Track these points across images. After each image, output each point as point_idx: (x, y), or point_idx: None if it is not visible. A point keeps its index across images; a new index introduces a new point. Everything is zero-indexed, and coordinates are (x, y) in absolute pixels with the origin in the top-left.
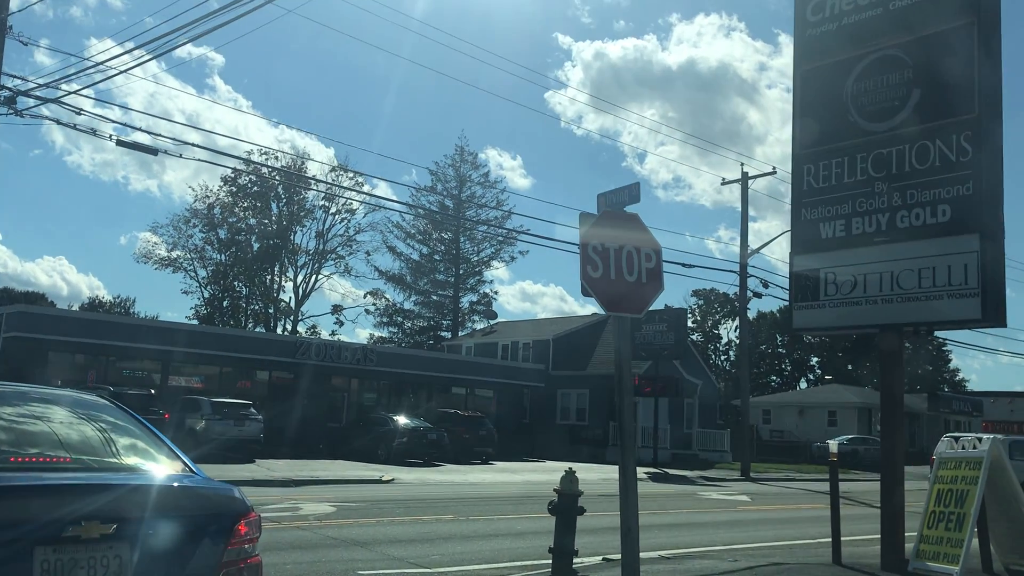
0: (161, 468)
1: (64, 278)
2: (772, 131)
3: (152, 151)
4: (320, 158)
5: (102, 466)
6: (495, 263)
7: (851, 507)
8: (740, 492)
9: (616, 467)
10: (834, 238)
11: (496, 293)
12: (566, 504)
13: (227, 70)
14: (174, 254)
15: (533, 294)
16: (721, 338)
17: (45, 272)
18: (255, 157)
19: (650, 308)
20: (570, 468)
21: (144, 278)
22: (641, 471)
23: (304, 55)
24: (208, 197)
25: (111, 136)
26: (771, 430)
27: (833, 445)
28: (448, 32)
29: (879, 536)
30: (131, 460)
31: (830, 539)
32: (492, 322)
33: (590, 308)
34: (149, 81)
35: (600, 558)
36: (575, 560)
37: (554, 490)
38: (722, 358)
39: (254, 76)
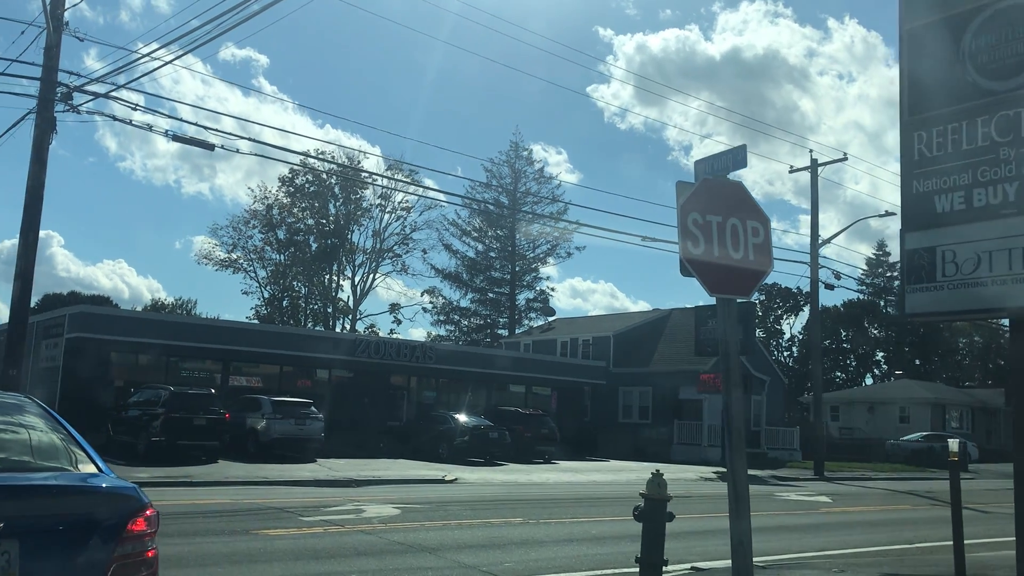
0: (63, 468)
1: (124, 281)
2: (826, 119)
3: (208, 146)
4: (369, 157)
5: (3, 466)
6: (551, 259)
7: (936, 507)
8: (818, 493)
9: (685, 467)
10: (952, 212)
11: (553, 290)
12: (654, 510)
13: (272, 71)
14: (234, 255)
15: (584, 291)
16: (783, 333)
17: (106, 275)
18: (311, 157)
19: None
20: (657, 470)
21: (203, 280)
22: (708, 470)
23: (346, 55)
24: (267, 198)
25: (166, 132)
26: (840, 428)
27: (954, 444)
28: (489, 28)
29: (996, 541)
30: (36, 461)
31: (933, 544)
32: (550, 319)
33: (644, 304)
34: (197, 82)
35: (688, 567)
36: (663, 569)
37: (640, 494)
38: (784, 354)
39: (299, 76)
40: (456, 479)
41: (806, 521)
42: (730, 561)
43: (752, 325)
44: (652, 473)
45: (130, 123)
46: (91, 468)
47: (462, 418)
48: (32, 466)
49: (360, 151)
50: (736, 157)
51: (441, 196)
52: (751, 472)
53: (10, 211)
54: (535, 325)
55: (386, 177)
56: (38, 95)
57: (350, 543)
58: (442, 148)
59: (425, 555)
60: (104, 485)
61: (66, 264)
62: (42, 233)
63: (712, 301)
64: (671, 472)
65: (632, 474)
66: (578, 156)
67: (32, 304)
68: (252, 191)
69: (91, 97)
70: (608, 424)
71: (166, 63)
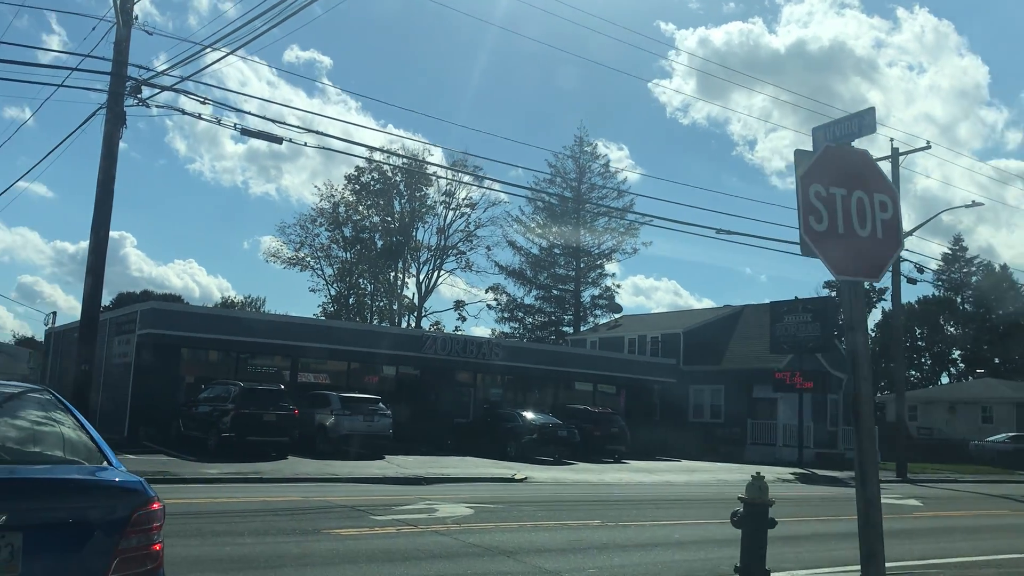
0: (72, 461)
1: (195, 280)
2: (895, 111)
3: (276, 139)
4: (433, 154)
5: (12, 459)
6: (617, 255)
7: None
8: (906, 496)
9: (760, 467)
10: None
11: (619, 287)
12: (755, 515)
13: (335, 72)
14: (301, 253)
15: (646, 289)
16: None
17: (177, 275)
18: (377, 155)
19: (832, 282)
20: (758, 472)
21: (271, 278)
22: (786, 471)
23: (405, 55)
24: (332, 196)
25: (235, 125)
26: (918, 428)
27: None
28: (548, 25)
29: None
30: (44, 453)
31: None
32: (616, 316)
33: (708, 302)
34: (263, 84)
35: None
36: None
37: (739, 498)
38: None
39: (361, 77)
40: (526, 478)
41: (900, 526)
42: (829, 570)
43: (832, 322)
44: (752, 476)
45: (199, 117)
46: (100, 460)
47: (530, 416)
48: (39, 458)
49: (424, 144)
50: (863, 122)
51: (505, 192)
52: (829, 473)
53: (85, 211)
54: (601, 322)
55: (455, 169)
56: (108, 89)
57: (424, 544)
58: (508, 139)
59: (503, 559)
60: (110, 479)
61: (139, 264)
62: (115, 234)
63: (772, 299)
64: (745, 474)
65: (706, 474)
66: (640, 152)
67: (106, 303)
68: (318, 189)
69: (158, 90)
70: (678, 423)
71: (229, 53)
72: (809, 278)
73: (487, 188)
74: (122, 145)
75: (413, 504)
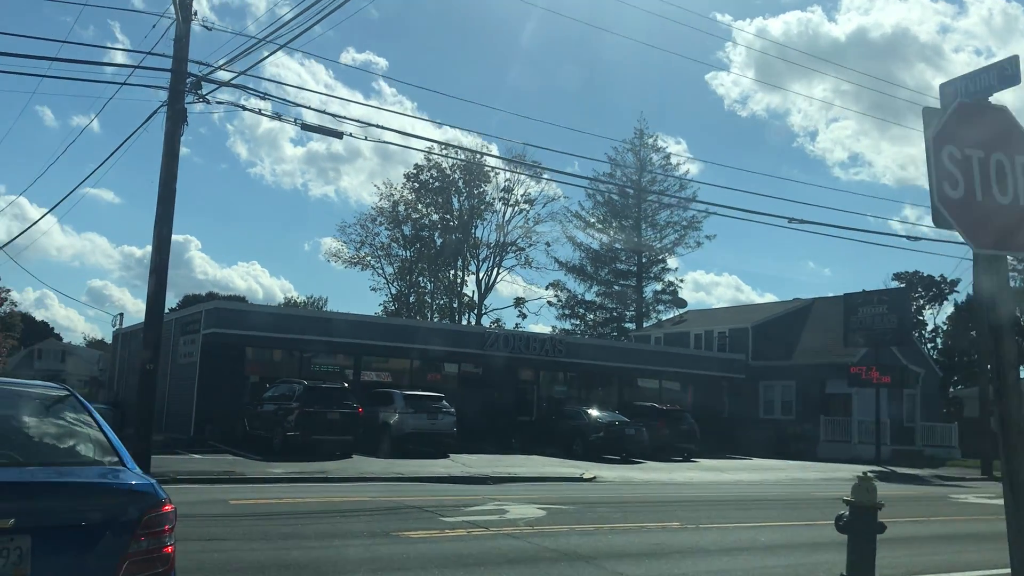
0: (86, 462)
1: (258, 282)
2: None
3: (337, 134)
4: (492, 148)
5: (25, 460)
6: (679, 249)
7: None
8: (997, 495)
9: (836, 465)
10: None
11: (682, 281)
12: (863, 519)
13: (390, 74)
14: (362, 252)
15: (706, 284)
16: (926, 325)
17: (241, 277)
18: (436, 149)
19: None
20: (865, 473)
21: (332, 279)
22: (863, 469)
23: (459, 58)
24: (392, 195)
25: (295, 120)
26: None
27: None
28: (601, 22)
29: None
30: (60, 454)
31: None
32: (681, 311)
33: (771, 296)
34: (320, 86)
35: None
36: None
37: (844, 500)
38: (928, 346)
39: (416, 78)
40: (595, 477)
41: (1001, 528)
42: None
43: (908, 313)
44: (859, 476)
45: (259, 112)
46: (113, 460)
47: (596, 414)
48: (53, 459)
49: (482, 142)
50: (1003, 73)
51: (568, 181)
52: (909, 471)
53: (151, 215)
54: (664, 318)
55: (515, 160)
56: (169, 86)
57: (497, 548)
58: (567, 128)
59: (581, 564)
60: (121, 481)
61: (203, 267)
62: (180, 237)
63: (838, 292)
64: (822, 471)
65: (780, 473)
66: (698, 146)
67: (172, 305)
68: (378, 188)
69: (217, 86)
70: (747, 420)
71: (286, 44)
72: (874, 271)
73: (549, 179)
74: (184, 150)
75: (482, 505)
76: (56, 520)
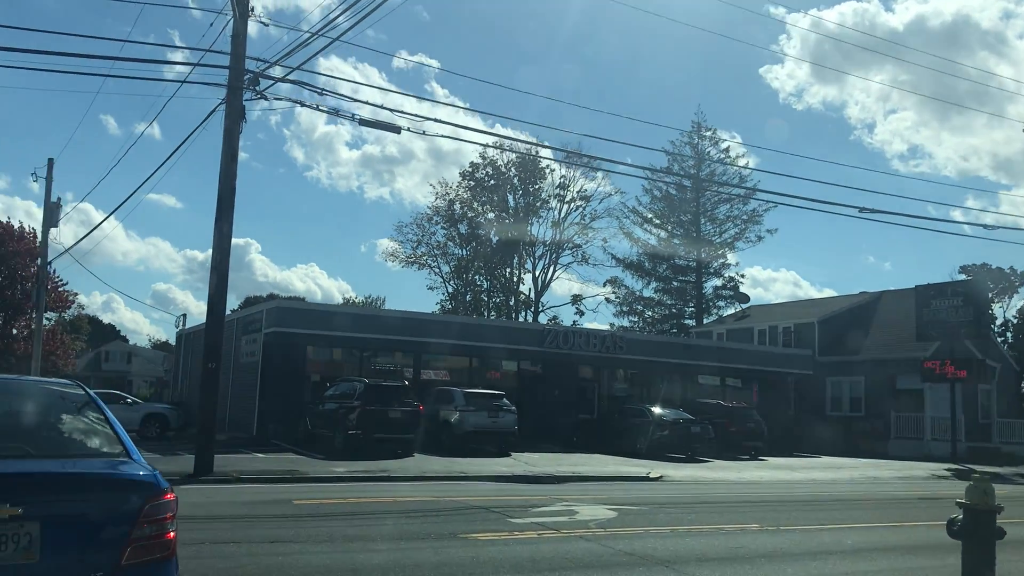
0: (93, 454)
1: (316, 283)
2: None
3: (395, 129)
4: (547, 145)
5: (37, 452)
6: (740, 244)
7: None
8: None
9: (908, 463)
10: None
11: (742, 276)
12: (981, 523)
13: (443, 75)
14: (419, 251)
15: (764, 280)
16: (995, 318)
17: (300, 279)
18: (490, 150)
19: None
20: (982, 474)
21: (388, 279)
22: (939, 467)
23: (509, 53)
24: (448, 194)
25: (352, 116)
26: None
27: None
28: (654, 14)
29: None
30: (69, 447)
31: None
32: (743, 306)
33: (830, 291)
34: (374, 91)
35: None
36: None
37: (957, 503)
38: (998, 340)
39: (468, 77)
40: (661, 476)
41: None
42: None
43: (985, 305)
44: (974, 477)
45: (316, 108)
46: (119, 451)
47: (661, 411)
48: (62, 452)
49: (536, 138)
50: None
51: (626, 173)
52: (987, 469)
53: (212, 219)
54: (724, 314)
55: (573, 153)
56: (227, 83)
57: (570, 552)
58: (627, 118)
59: (661, 569)
60: (125, 471)
61: (264, 269)
62: (241, 240)
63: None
64: (896, 470)
65: (853, 471)
66: (754, 139)
67: (233, 306)
68: (433, 188)
69: (273, 82)
70: (814, 417)
71: (339, 37)
72: (936, 265)
73: (607, 171)
74: (243, 155)
75: (550, 505)
76: (64, 508)
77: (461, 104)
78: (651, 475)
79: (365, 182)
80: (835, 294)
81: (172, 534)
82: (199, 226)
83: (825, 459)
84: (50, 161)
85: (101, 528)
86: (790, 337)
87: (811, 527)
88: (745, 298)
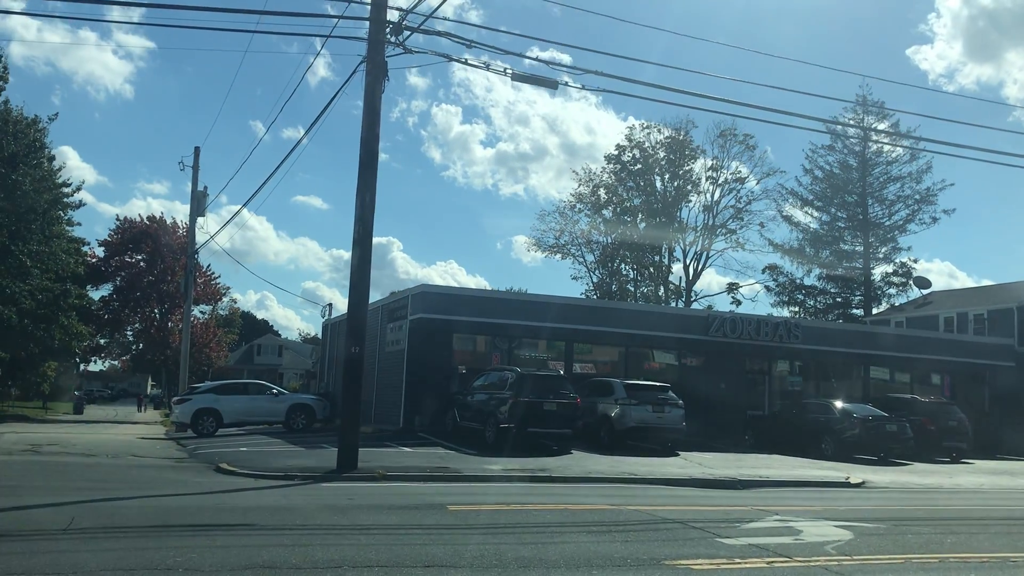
0: None
1: (455, 280)
2: None
3: (552, 84)
4: (698, 127)
5: None
6: (912, 227)
7: None
8: None
9: None
10: None
11: (915, 261)
12: None
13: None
14: (562, 240)
15: (921, 270)
16: None
17: (440, 276)
18: (637, 132)
19: None
20: None
21: (526, 274)
22: None
23: (644, 44)
24: (592, 179)
25: (504, 70)
26: None
27: None
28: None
29: None
30: None
31: None
32: (924, 292)
33: (987, 281)
34: (507, 88)
35: None
36: None
37: None
38: None
39: (603, 64)
40: (863, 482)
41: None
42: None
43: None
44: None
45: (464, 62)
46: None
47: (848, 408)
48: None
49: (690, 123)
50: None
51: (805, 124)
52: None
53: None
54: (897, 302)
55: (727, 131)
56: (368, 37)
57: None
58: (787, 90)
59: None
60: None
61: (405, 267)
62: (383, 239)
63: None
64: None
65: None
66: (904, 121)
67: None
68: (576, 174)
69: (409, 33)
70: (1016, 414)
71: (466, 25)
72: None
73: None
74: (383, 156)
75: (759, 520)
76: None
77: (593, 97)
78: (851, 480)
79: (500, 179)
80: (992, 283)
81: None
82: (344, 226)
83: None
84: (196, 149)
85: None
86: (983, 325)
87: None
88: (926, 283)
